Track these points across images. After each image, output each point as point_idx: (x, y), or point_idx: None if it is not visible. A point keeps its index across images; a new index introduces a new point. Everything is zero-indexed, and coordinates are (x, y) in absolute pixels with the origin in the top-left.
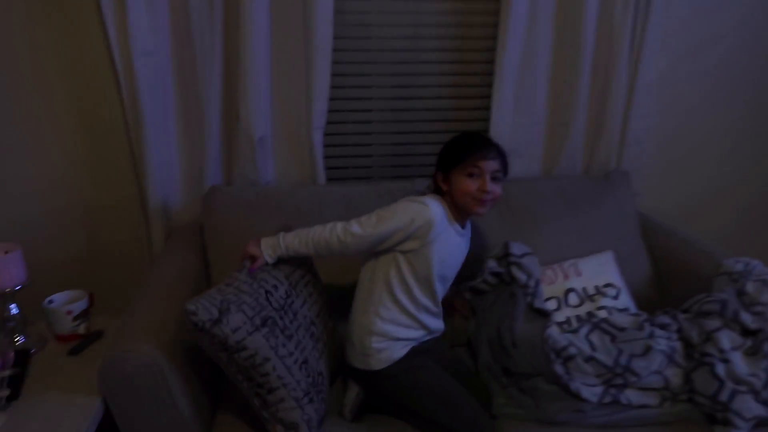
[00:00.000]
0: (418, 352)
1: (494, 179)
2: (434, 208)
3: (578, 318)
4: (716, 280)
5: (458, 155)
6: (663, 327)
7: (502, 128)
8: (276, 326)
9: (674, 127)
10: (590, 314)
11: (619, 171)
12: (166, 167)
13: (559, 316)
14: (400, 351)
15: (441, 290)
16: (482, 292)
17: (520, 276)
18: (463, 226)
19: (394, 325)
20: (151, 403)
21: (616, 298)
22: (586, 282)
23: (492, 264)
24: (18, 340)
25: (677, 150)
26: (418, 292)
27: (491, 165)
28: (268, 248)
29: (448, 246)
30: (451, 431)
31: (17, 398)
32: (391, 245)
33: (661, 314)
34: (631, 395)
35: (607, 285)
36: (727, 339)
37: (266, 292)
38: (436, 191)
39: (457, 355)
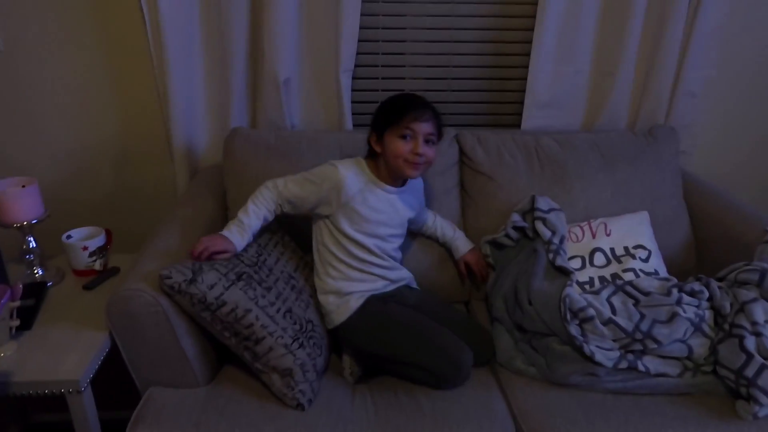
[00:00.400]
0: (378, 299)
1: (428, 142)
2: (343, 171)
3: (602, 279)
4: (759, 248)
5: (391, 116)
6: (693, 294)
7: (541, 76)
8: (252, 279)
9: (733, 82)
10: (615, 276)
11: (664, 127)
12: (191, 107)
13: (582, 276)
14: (355, 302)
15: (384, 245)
16: (504, 246)
17: (545, 232)
18: (399, 185)
19: (347, 281)
20: (155, 342)
21: (645, 260)
22: (614, 242)
23: (516, 218)
24: (37, 273)
25: (735, 106)
26: (356, 251)
27: (425, 128)
28: (235, 236)
29: (371, 206)
30: (421, 367)
31: (30, 328)
32: (310, 208)
33: (692, 281)
34: (649, 362)
35: (638, 246)
36: (761, 311)
37: (236, 255)
38: (370, 153)
39: (438, 299)
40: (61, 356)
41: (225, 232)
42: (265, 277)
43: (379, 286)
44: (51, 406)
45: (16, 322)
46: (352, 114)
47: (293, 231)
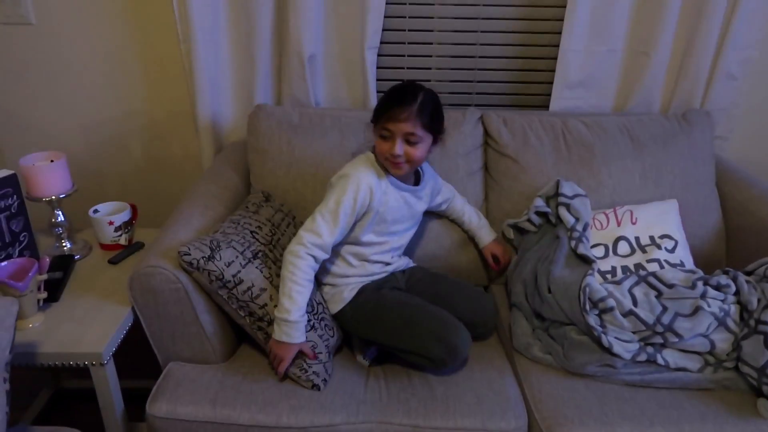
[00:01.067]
0: (370, 288)
1: (410, 142)
2: (367, 180)
3: (625, 269)
4: None
5: (375, 113)
6: (719, 288)
7: (572, 56)
8: (267, 258)
9: None
10: (639, 266)
11: (699, 110)
12: (216, 82)
13: (604, 265)
14: (348, 293)
15: (394, 240)
16: (526, 231)
17: (568, 218)
18: (412, 182)
19: (341, 277)
20: (175, 318)
21: (671, 251)
22: (640, 231)
23: (539, 203)
24: (65, 246)
25: None
26: (363, 249)
27: (402, 127)
28: (287, 336)
29: (390, 206)
30: (417, 354)
31: (57, 300)
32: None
33: (719, 274)
34: (669, 356)
35: (664, 236)
36: None
37: (251, 232)
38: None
39: (430, 274)
40: (86, 329)
41: (284, 338)
42: (279, 256)
43: (373, 276)
44: (81, 373)
45: (44, 295)
46: (378, 92)
47: (302, 211)
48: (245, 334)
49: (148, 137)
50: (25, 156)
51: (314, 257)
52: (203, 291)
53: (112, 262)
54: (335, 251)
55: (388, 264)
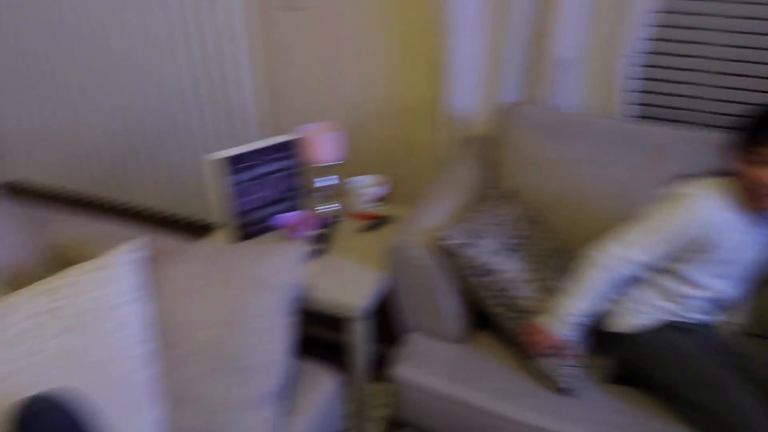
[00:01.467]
0: (675, 329)
1: None
2: (711, 211)
3: None
4: None
5: (748, 134)
6: None
7: None
8: (526, 252)
9: None
10: None
11: None
12: (464, 76)
13: None
14: (646, 320)
15: (725, 285)
16: None
17: None
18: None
19: (641, 304)
20: (421, 292)
21: None
22: None
23: None
24: (331, 208)
25: None
26: (686, 289)
27: None
28: (552, 328)
29: (732, 246)
30: (710, 414)
31: (323, 254)
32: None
33: None
34: None
35: None
36: None
37: (508, 224)
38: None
39: (743, 347)
40: (347, 284)
41: (546, 327)
42: (538, 252)
43: (678, 317)
44: (321, 323)
45: (322, 246)
46: (638, 104)
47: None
48: (486, 321)
49: (396, 120)
50: (304, 125)
51: (614, 269)
52: (451, 273)
53: (365, 229)
54: (649, 275)
55: (704, 313)
